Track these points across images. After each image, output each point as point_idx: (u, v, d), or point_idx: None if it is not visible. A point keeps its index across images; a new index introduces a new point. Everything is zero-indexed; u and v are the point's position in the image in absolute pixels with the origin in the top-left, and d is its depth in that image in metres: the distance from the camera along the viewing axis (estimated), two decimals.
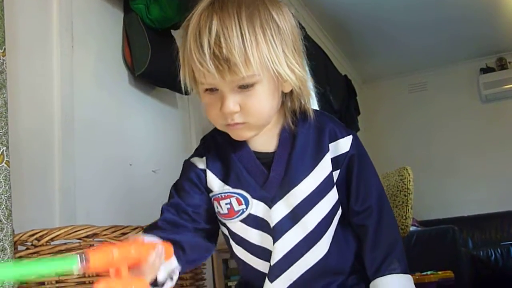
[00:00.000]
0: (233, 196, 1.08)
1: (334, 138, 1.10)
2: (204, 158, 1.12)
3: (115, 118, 2.23)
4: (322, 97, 4.31)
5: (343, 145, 1.10)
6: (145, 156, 2.36)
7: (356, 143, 1.12)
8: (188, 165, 1.14)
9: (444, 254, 4.56)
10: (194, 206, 1.09)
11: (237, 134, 1.04)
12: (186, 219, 1.08)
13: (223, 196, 1.09)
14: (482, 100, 6.33)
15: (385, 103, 6.62)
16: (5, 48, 1.46)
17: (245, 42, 0.93)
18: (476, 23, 5.46)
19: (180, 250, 1.02)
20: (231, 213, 1.09)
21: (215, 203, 1.10)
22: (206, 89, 1.00)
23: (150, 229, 1.05)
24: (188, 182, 1.11)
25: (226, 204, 1.08)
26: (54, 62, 1.91)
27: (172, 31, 2.48)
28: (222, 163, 1.11)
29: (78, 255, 0.76)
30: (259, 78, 0.96)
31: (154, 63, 2.26)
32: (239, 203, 1.08)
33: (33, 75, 1.82)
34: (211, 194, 1.11)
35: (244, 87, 0.96)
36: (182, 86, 1.03)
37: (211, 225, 1.12)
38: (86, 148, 2.00)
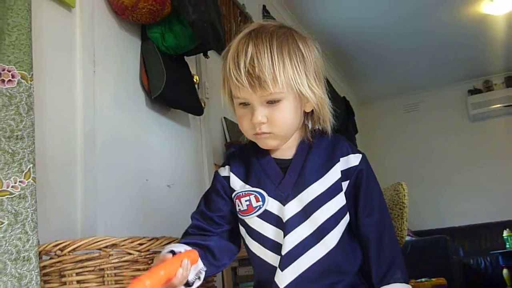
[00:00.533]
0: (252, 194, 1.14)
1: (346, 153, 1.16)
2: (227, 166, 1.21)
3: (133, 137, 2.23)
4: None
5: (353, 160, 1.16)
6: (160, 172, 2.35)
7: (365, 161, 1.18)
8: (215, 176, 1.24)
9: (437, 262, 4.54)
10: (217, 211, 1.18)
11: (264, 143, 1.12)
12: (212, 224, 1.17)
13: (243, 194, 1.15)
14: (470, 119, 6.34)
15: (381, 122, 6.64)
16: (32, 74, 1.46)
17: (274, 64, 1.02)
18: (465, 49, 5.51)
19: (210, 255, 1.12)
20: (250, 209, 1.14)
21: (237, 201, 1.17)
22: (240, 103, 1.09)
23: (183, 236, 1.17)
24: (213, 192, 1.21)
25: (246, 201, 1.15)
26: (77, 85, 1.92)
27: (186, 58, 2.50)
28: (245, 167, 1.19)
29: None
30: (284, 95, 1.05)
31: (168, 87, 2.27)
32: (257, 200, 1.14)
33: (58, 97, 1.82)
34: (233, 194, 1.18)
35: (272, 102, 1.06)
36: (222, 102, 1.15)
37: (233, 225, 1.20)
38: (106, 164, 1.99)
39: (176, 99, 2.38)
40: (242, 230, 1.19)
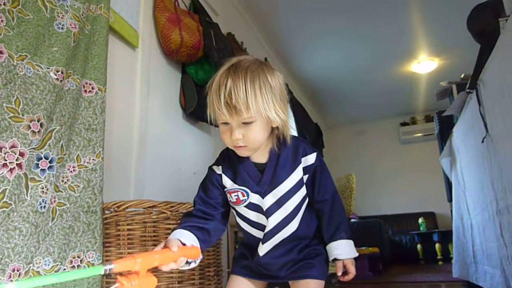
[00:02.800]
0: (239, 191, 1.07)
1: (305, 154, 1.08)
2: (220, 166, 1.11)
3: (172, 138, 2.22)
4: (300, 135, 4.28)
5: (311, 158, 1.08)
6: (189, 163, 2.34)
7: (319, 157, 1.10)
8: (210, 171, 1.13)
9: (373, 237, 4.51)
10: (214, 198, 1.08)
11: (241, 153, 1.02)
12: (210, 207, 1.08)
13: (233, 191, 1.07)
14: (401, 142, 6.33)
15: (340, 141, 6.63)
16: (106, 88, 1.46)
17: (248, 96, 0.92)
18: (399, 94, 5.53)
19: (207, 235, 1.02)
20: (238, 201, 1.07)
21: (228, 195, 1.09)
22: (222, 123, 0.98)
23: (188, 216, 1.05)
24: (210, 183, 1.10)
25: (235, 195, 1.07)
26: (136, 100, 1.91)
27: None
28: (233, 170, 1.09)
29: (103, 268, 0.67)
30: (255, 118, 0.95)
31: (198, 106, 2.26)
32: (243, 195, 1.06)
33: (123, 107, 1.82)
34: (225, 189, 1.09)
35: (246, 124, 0.95)
36: (208, 121, 1.01)
37: (226, 208, 1.11)
38: (153, 154, 1.98)
39: (202, 115, 2.37)
40: (233, 212, 1.14)
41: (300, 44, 4.14)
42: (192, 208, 1.09)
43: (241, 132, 0.96)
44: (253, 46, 3.57)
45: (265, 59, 3.94)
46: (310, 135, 4.71)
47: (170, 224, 1.38)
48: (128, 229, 1.36)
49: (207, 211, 1.07)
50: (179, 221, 1.10)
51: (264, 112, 0.95)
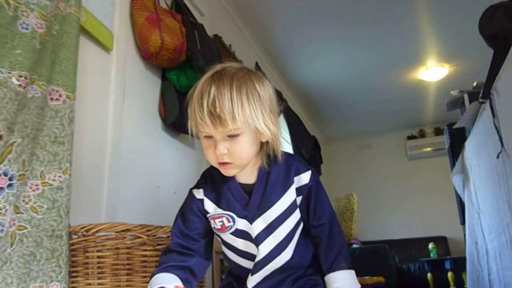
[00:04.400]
0: (224, 216, 1.06)
1: (298, 172, 1.08)
2: (201, 190, 1.10)
3: (150, 152, 2.21)
4: (296, 150, 4.30)
5: (304, 178, 1.08)
6: (169, 181, 2.33)
7: (314, 176, 1.09)
8: (189, 196, 1.12)
9: (378, 265, 4.49)
10: (194, 228, 1.08)
11: (226, 171, 1.01)
12: (190, 241, 1.08)
13: (217, 216, 1.07)
14: (408, 158, 6.38)
15: (341, 156, 6.67)
16: (75, 95, 1.46)
17: (233, 105, 0.92)
18: (405, 104, 5.59)
19: (191, 275, 1.03)
20: (223, 228, 1.07)
21: (212, 221, 1.08)
22: (205, 136, 0.98)
23: (167, 253, 1.06)
24: (188, 212, 1.09)
25: (219, 222, 1.07)
26: (109, 109, 1.91)
27: None
28: (216, 192, 1.09)
29: None
30: (242, 131, 0.94)
31: (180, 116, 2.25)
32: (228, 221, 1.06)
33: (94, 116, 1.82)
34: (208, 215, 1.09)
35: (232, 136, 0.95)
36: (189, 133, 1.01)
37: (208, 236, 1.11)
38: (128, 170, 1.97)
39: (184, 126, 2.34)
40: (219, 239, 1.13)
41: (296, 48, 4.19)
42: (170, 239, 1.09)
43: (226, 146, 0.95)
44: (242, 49, 3.60)
45: (256, 64, 3.98)
46: (307, 150, 4.73)
47: (146, 250, 1.37)
48: (98, 256, 1.34)
49: (187, 245, 1.07)
50: (157, 261, 1.09)
51: (252, 123, 0.94)
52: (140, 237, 1.36)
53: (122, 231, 1.35)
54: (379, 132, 6.50)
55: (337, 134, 6.62)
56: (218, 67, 1.00)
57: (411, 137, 6.38)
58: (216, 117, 0.91)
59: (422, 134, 6.37)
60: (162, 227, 1.40)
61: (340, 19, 3.72)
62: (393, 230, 6.05)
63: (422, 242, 5.75)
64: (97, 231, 1.35)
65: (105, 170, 1.82)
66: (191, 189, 1.13)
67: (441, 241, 5.71)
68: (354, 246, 5.07)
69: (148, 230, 1.37)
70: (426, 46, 4.23)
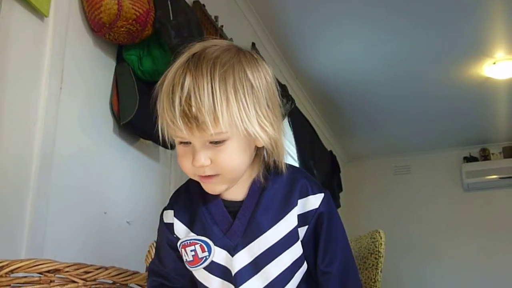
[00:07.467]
0: (197, 243, 1.07)
1: (305, 194, 1.08)
2: (171, 211, 1.13)
3: (95, 163, 2.22)
4: (306, 169, 4.31)
5: (313, 202, 1.07)
6: (121, 206, 2.33)
7: (327, 202, 1.09)
8: (160, 221, 1.16)
9: None
10: (173, 269, 1.15)
11: (210, 188, 1.03)
12: (171, 280, 1.16)
13: (188, 243, 1.08)
14: (464, 188, 6.37)
15: (369, 182, 6.66)
16: None
17: (215, 101, 0.92)
18: (462, 113, 5.56)
19: None
20: (196, 260, 1.08)
21: (182, 251, 1.10)
22: (180, 142, 1.00)
23: None
24: (162, 246, 1.15)
25: (191, 251, 1.08)
26: (40, 100, 1.91)
27: None
28: (190, 211, 1.11)
29: None
30: (229, 135, 0.95)
31: (140, 114, 2.25)
32: (203, 250, 1.07)
33: (18, 111, 1.82)
34: (178, 243, 1.11)
35: (215, 143, 0.96)
36: (160, 137, 1.02)
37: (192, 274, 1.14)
38: (61, 190, 1.97)
39: (146, 128, 2.33)
40: (193, 276, 1.14)
41: (309, 28, 4.19)
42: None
43: (208, 155, 0.97)
44: (234, 24, 3.63)
45: (253, 45, 4.00)
46: (320, 170, 4.74)
47: None
48: None
49: (167, 284, 1.14)
50: None
51: (242, 125, 0.95)
52: (74, 282, 1.35)
53: (49, 271, 1.34)
54: (422, 150, 6.51)
55: (363, 151, 6.63)
56: (196, 47, 1.01)
57: (469, 159, 6.39)
58: (192, 119, 0.92)
59: (485, 156, 6.38)
60: (106, 269, 1.39)
61: None
62: (439, 286, 6.03)
63: None
64: (12, 271, 1.33)
65: (29, 189, 1.82)
66: (162, 210, 1.17)
67: None
68: None
69: (86, 272, 1.36)
70: (494, 30, 4.24)
